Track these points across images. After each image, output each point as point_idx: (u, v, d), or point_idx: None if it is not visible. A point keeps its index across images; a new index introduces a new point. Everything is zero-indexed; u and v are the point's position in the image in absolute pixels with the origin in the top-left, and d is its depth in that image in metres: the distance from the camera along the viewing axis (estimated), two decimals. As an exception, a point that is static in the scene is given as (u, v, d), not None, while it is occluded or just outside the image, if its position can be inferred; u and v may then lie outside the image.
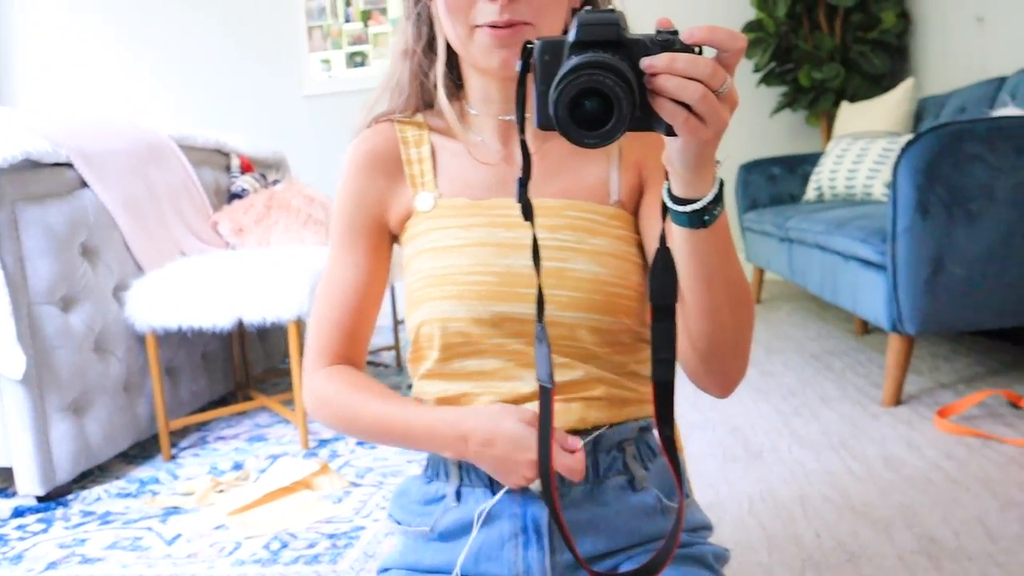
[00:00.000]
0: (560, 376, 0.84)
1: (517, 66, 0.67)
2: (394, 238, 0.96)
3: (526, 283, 0.83)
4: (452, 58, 0.90)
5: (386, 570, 0.95)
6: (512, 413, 0.79)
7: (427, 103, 0.95)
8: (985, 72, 3.32)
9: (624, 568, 0.87)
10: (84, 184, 2.15)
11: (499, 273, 0.84)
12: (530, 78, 0.65)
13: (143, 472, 2.14)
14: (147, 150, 2.46)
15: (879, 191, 3.20)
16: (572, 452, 0.77)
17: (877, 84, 4.07)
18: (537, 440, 0.77)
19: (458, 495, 0.90)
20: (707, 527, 0.97)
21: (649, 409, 0.89)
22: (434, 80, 0.91)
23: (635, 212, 0.90)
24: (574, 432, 0.85)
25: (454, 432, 0.81)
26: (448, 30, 0.84)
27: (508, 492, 0.87)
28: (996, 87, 2.94)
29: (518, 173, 0.89)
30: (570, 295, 0.83)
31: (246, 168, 3.03)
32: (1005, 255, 2.01)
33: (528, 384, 0.85)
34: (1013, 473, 1.68)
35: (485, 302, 0.84)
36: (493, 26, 0.80)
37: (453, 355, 0.87)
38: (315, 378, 0.92)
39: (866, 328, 3.11)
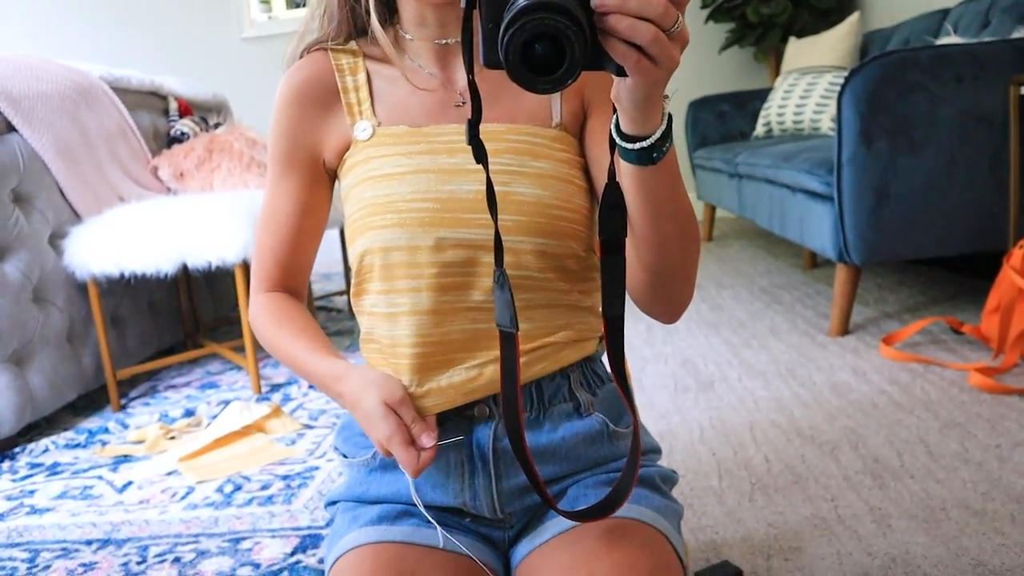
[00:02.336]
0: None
1: (462, 1, 0.64)
2: (333, 174, 0.94)
3: (470, 208, 0.82)
4: None
5: (333, 502, 0.95)
6: (380, 389, 0.81)
7: (360, 30, 0.92)
8: (930, 4, 3.34)
9: (572, 492, 0.88)
10: (11, 128, 2.06)
11: (442, 199, 0.82)
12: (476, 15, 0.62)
13: (92, 423, 2.10)
14: (78, 93, 2.36)
15: (827, 125, 3.22)
16: (423, 449, 0.78)
17: (824, 19, 4.07)
18: (501, 384, 0.75)
19: None
20: (655, 451, 0.98)
21: (590, 347, 0.90)
22: (366, 6, 0.88)
23: (579, 136, 0.88)
24: (523, 385, 0.85)
25: (334, 388, 0.86)
26: None
27: (453, 420, 0.87)
28: (940, 18, 2.96)
29: (458, 99, 0.87)
30: (514, 219, 0.82)
31: (185, 111, 2.94)
32: (947, 183, 2.04)
33: (455, 328, 0.84)
34: (954, 395, 1.73)
35: (427, 228, 0.82)
36: None
37: (392, 291, 0.86)
38: (254, 304, 0.95)
39: (815, 262, 3.16)
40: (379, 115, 0.88)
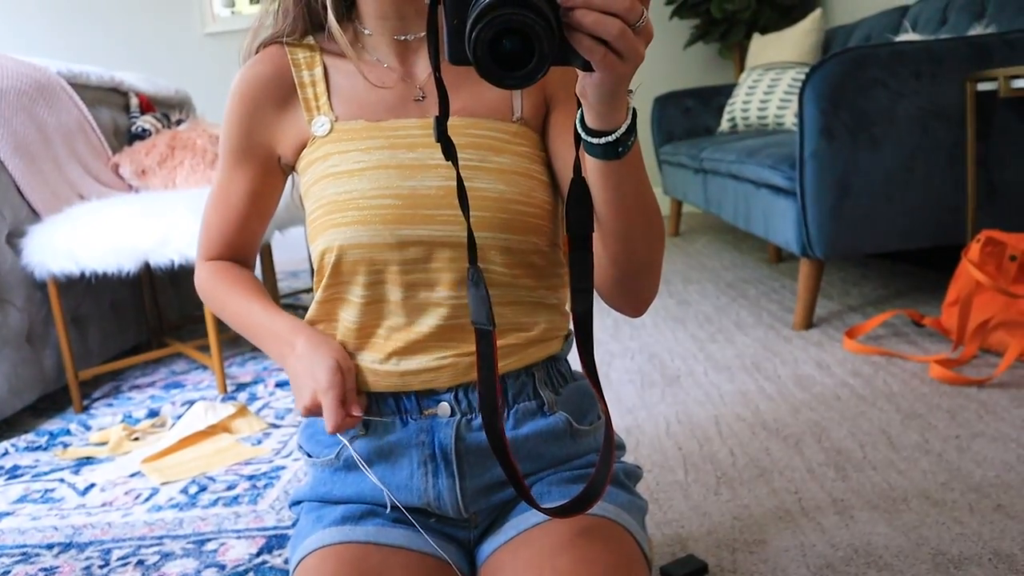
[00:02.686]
0: (461, 316, 0.84)
1: None
2: (289, 168, 0.93)
3: (433, 204, 0.81)
4: None
5: (298, 503, 0.95)
6: (336, 351, 0.85)
7: (316, 25, 0.91)
8: (890, 1, 3.39)
9: (535, 490, 0.88)
10: (-32, 125, 2.02)
11: (403, 196, 0.82)
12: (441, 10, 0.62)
13: (53, 424, 2.07)
14: (35, 89, 2.32)
15: (791, 120, 3.25)
16: (351, 415, 0.82)
17: (787, 16, 4.11)
18: (478, 380, 0.76)
19: (366, 424, 0.89)
20: (620, 447, 0.98)
21: (555, 345, 0.90)
22: (322, 1, 0.87)
23: (541, 130, 0.88)
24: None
25: (287, 340, 0.88)
26: None
27: (416, 420, 0.87)
28: (900, 16, 3.00)
29: (417, 93, 0.87)
30: (476, 214, 0.82)
31: (147, 108, 2.90)
32: (907, 178, 2.07)
33: (420, 324, 0.84)
34: (915, 387, 1.76)
35: (390, 226, 0.82)
36: None
37: (353, 283, 0.85)
38: (200, 269, 0.98)
39: (779, 256, 3.19)
40: (336, 110, 0.88)
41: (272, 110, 0.89)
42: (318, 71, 0.89)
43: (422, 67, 0.87)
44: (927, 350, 1.98)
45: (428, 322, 0.84)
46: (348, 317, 0.87)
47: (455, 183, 0.81)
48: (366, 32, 0.87)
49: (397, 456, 0.87)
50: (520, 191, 0.83)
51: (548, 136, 0.88)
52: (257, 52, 0.91)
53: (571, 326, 0.99)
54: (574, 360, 0.83)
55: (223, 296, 0.95)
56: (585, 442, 0.92)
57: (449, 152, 0.70)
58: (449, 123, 0.84)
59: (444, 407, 0.86)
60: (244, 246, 0.98)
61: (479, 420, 0.87)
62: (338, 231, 0.83)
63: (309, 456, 0.95)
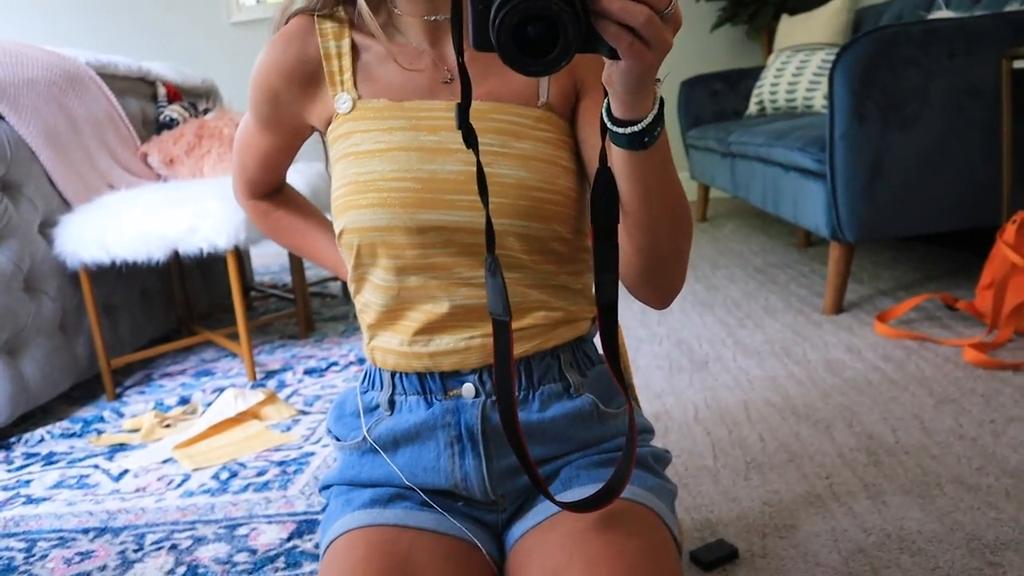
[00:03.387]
0: (484, 296, 0.83)
1: None
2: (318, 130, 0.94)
3: (452, 189, 0.81)
4: None
5: (327, 487, 0.95)
6: None
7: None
8: (922, -21, 3.32)
9: (564, 474, 0.88)
10: (-1, 116, 2.04)
11: (423, 179, 0.81)
12: None
13: (87, 412, 2.10)
14: (64, 79, 2.34)
15: (820, 103, 3.21)
16: None
17: (816, -5, 4.05)
18: (494, 371, 0.76)
19: (391, 404, 0.90)
20: (648, 431, 0.98)
21: (582, 327, 0.90)
22: None
23: (569, 117, 0.87)
24: None
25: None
26: None
27: (441, 401, 0.87)
28: (932, -6, 2.94)
29: (446, 75, 0.86)
30: (496, 201, 0.81)
31: (174, 97, 2.92)
32: (940, 159, 2.04)
33: (443, 305, 0.84)
34: (948, 371, 1.73)
35: (409, 210, 0.81)
36: None
37: (375, 265, 0.85)
38: (247, 206, 1.09)
39: (809, 241, 3.16)
40: (360, 88, 0.87)
41: (299, 87, 0.89)
42: (345, 43, 0.87)
43: (452, 49, 0.86)
44: (961, 334, 1.95)
45: (453, 302, 0.84)
46: (375, 299, 0.88)
47: (473, 168, 0.81)
48: (396, 11, 0.86)
49: (424, 438, 0.88)
50: (542, 178, 0.82)
51: (577, 123, 0.87)
52: (287, 23, 0.90)
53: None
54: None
55: (282, 238, 1.10)
56: (613, 424, 0.92)
57: (470, 140, 0.70)
58: (472, 107, 0.83)
59: (468, 388, 0.86)
60: (279, 177, 1.07)
61: None
62: (358, 213, 0.83)
63: (337, 439, 0.96)
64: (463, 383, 0.86)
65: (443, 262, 0.83)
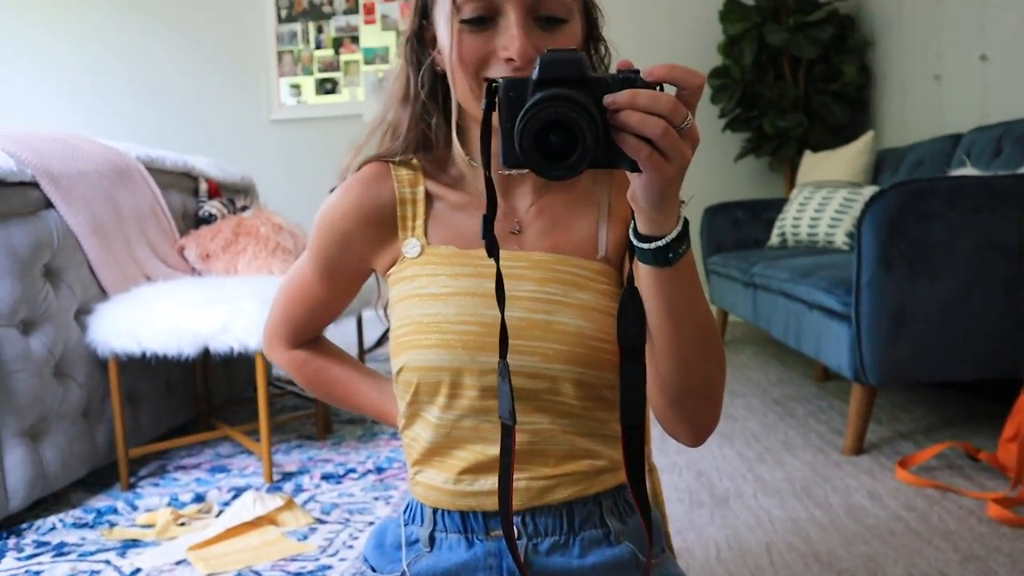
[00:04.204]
0: (536, 444, 0.85)
1: (482, 105, 0.68)
2: (375, 273, 0.97)
3: (513, 335, 0.83)
4: (450, 107, 0.90)
5: (361, 615, 0.95)
6: None
7: (425, 145, 0.94)
8: (942, 128, 3.44)
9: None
10: (49, 204, 2.11)
11: (486, 324, 0.84)
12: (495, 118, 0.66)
13: (100, 501, 2.08)
14: (115, 172, 2.42)
15: (841, 239, 3.28)
16: None
17: (838, 135, 4.18)
18: (499, 472, 0.79)
19: (431, 540, 0.90)
20: (683, 580, 0.98)
21: (623, 475, 0.90)
22: (435, 128, 0.91)
23: (620, 266, 0.91)
24: (546, 506, 0.86)
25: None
26: (458, 83, 0.83)
27: (483, 542, 0.87)
28: (953, 143, 3.04)
29: (515, 226, 0.90)
30: (555, 348, 0.84)
31: (214, 193, 3.00)
32: (964, 310, 2.07)
33: (493, 447, 0.85)
34: (972, 525, 1.72)
35: (471, 352, 0.84)
36: None
37: (432, 404, 0.87)
38: (286, 357, 1.07)
39: (827, 374, 3.17)
40: (430, 234, 0.91)
41: (373, 230, 0.91)
42: (420, 191, 0.91)
43: (523, 201, 0.90)
44: (983, 486, 1.94)
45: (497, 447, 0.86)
46: (424, 435, 0.89)
47: (537, 316, 0.84)
48: (473, 164, 0.91)
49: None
50: (599, 328, 0.85)
51: (622, 270, 0.90)
52: (359, 168, 0.94)
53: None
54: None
55: (322, 388, 1.07)
56: (652, 574, 0.92)
57: (492, 249, 0.74)
58: (536, 257, 0.87)
59: (510, 528, 0.87)
60: (320, 326, 1.07)
61: (546, 544, 0.88)
62: (419, 352, 0.86)
63: (373, 570, 0.96)
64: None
65: (497, 405, 0.85)
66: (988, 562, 1.55)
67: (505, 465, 0.77)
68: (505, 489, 0.78)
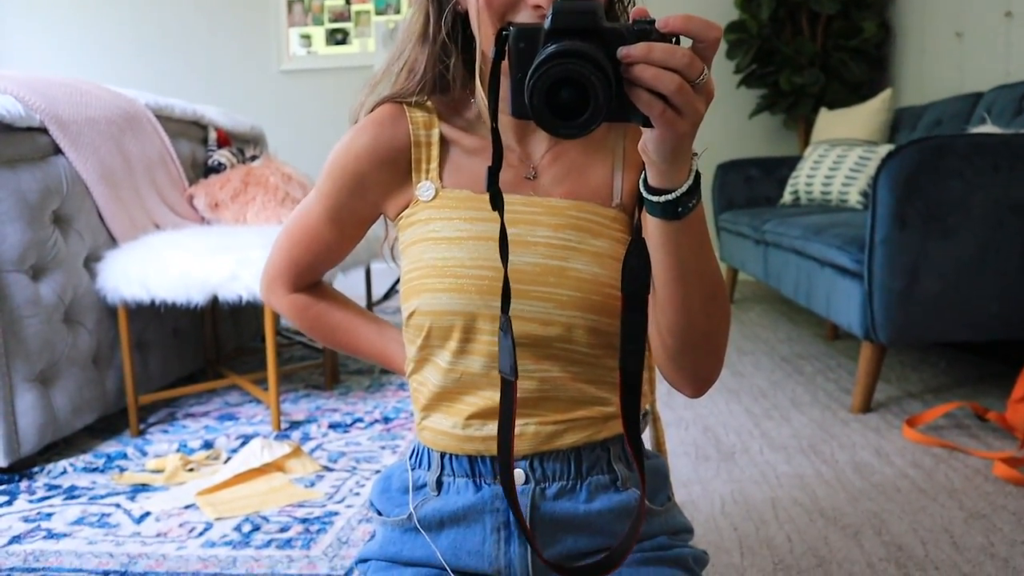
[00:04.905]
0: (547, 391, 0.85)
1: (491, 52, 0.66)
2: (384, 217, 0.95)
3: (527, 280, 0.82)
4: (468, 48, 0.88)
5: (365, 560, 0.95)
6: None
7: (442, 87, 0.90)
8: (962, 87, 3.38)
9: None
10: (58, 151, 2.10)
11: (499, 269, 0.83)
12: (505, 66, 0.64)
13: (110, 447, 2.10)
14: (124, 119, 2.41)
15: (855, 198, 3.24)
16: None
17: (855, 92, 4.11)
18: (498, 427, 0.79)
19: (439, 484, 0.90)
20: (688, 530, 0.98)
21: None
22: (452, 70, 0.89)
23: (634, 214, 0.89)
24: (554, 451, 0.86)
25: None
26: (482, 27, 0.80)
27: (490, 486, 0.87)
28: (972, 102, 2.99)
29: (530, 172, 0.89)
30: (569, 294, 0.83)
31: (223, 142, 2.99)
32: (978, 270, 2.05)
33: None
34: (978, 484, 1.72)
35: (485, 297, 0.83)
36: None
37: (443, 348, 0.87)
38: (283, 301, 1.03)
39: (836, 333, 3.16)
40: (445, 177, 0.89)
41: (383, 174, 0.89)
42: (435, 134, 0.89)
43: (538, 147, 0.89)
44: (991, 446, 1.94)
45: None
46: (433, 379, 0.89)
47: (552, 262, 0.83)
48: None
49: (470, 521, 0.88)
50: (613, 275, 0.84)
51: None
52: (373, 109, 0.91)
53: (648, 406, 1.00)
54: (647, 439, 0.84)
55: (323, 333, 1.04)
56: (656, 522, 0.92)
57: (496, 203, 0.72)
58: (552, 203, 0.86)
59: (519, 474, 0.87)
60: (313, 274, 1.03)
61: (553, 488, 0.88)
62: (433, 296, 0.85)
63: (379, 514, 0.96)
64: (515, 469, 0.86)
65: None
66: (993, 520, 1.55)
67: (505, 420, 0.77)
68: (505, 443, 0.77)
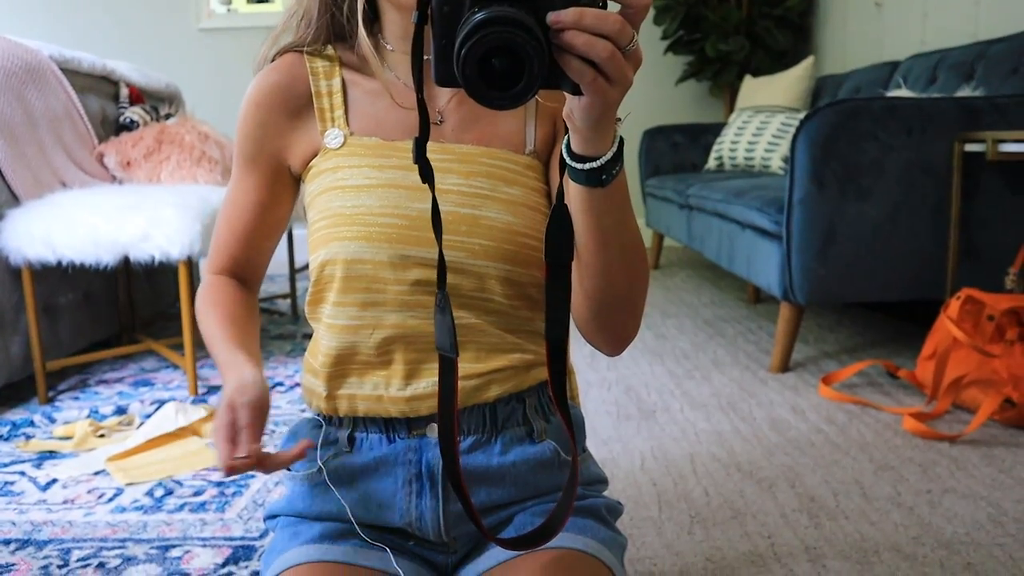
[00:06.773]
0: (464, 338, 0.83)
1: (413, 17, 0.62)
2: (297, 178, 0.92)
3: None
4: None
5: (273, 516, 0.93)
6: (234, 388, 0.77)
7: (338, 35, 0.90)
8: (880, 55, 3.45)
9: (518, 520, 0.87)
10: (-46, 103, 1.98)
11: (410, 217, 0.81)
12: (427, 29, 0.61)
13: (16, 414, 2.02)
14: (24, 71, 2.29)
15: (777, 164, 3.29)
16: (243, 457, 0.73)
17: (779, 60, 4.17)
18: (439, 409, 0.75)
19: (351, 440, 0.88)
20: (602, 481, 0.98)
21: (547, 373, 0.90)
22: (348, 13, 0.86)
23: (547, 161, 0.88)
24: (477, 406, 0.84)
25: (223, 374, 0.83)
26: None
27: (404, 439, 0.86)
28: (890, 70, 3.06)
29: (436, 116, 0.86)
30: (482, 243, 0.81)
31: (136, 99, 2.87)
32: (891, 230, 2.10)
33: (421, 346, 0.83)
34: (888, 438, 1.77)
35: (394, 245, 0.81)
36: None
37: (353, 298, 0.84)
38: (202, 283, 0.95)
39: (758, 297, 3.22)
40: (352, 125, 0.87)
41: (285, 119, 0.88)
42: (336, 82, 0.87)
43: (443, 92, 0.86)
44: (901, 402, 2.00)
45: (426, 343, 0.83)
46: (342, 337, 0.86)
47: (464, 210, 0.81)
48: (388, 48, 0.86)
49: (382, 473, 0.86)
50: (527, 223, 0.83)
51: (549, 165, 0.88)
52: (274, 59, 0.90)
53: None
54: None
55: (202, 315, 0.90)
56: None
57: (426, 175, 0.69)
58: (464, 150, 0.84)
59: (434, 428, 0.85)
60: (248, 262, 0.94)
61: (468, 442, 0.86)
62: (341, 244, 0.82)
63: (288, 469, 0.94)
64: (428, 423, 0.85)
65: (423, 300, 0.82)
66: (900, 471, 1.60)
67: (446, 398, 0.74)
68: (448, 426, 0.74)
